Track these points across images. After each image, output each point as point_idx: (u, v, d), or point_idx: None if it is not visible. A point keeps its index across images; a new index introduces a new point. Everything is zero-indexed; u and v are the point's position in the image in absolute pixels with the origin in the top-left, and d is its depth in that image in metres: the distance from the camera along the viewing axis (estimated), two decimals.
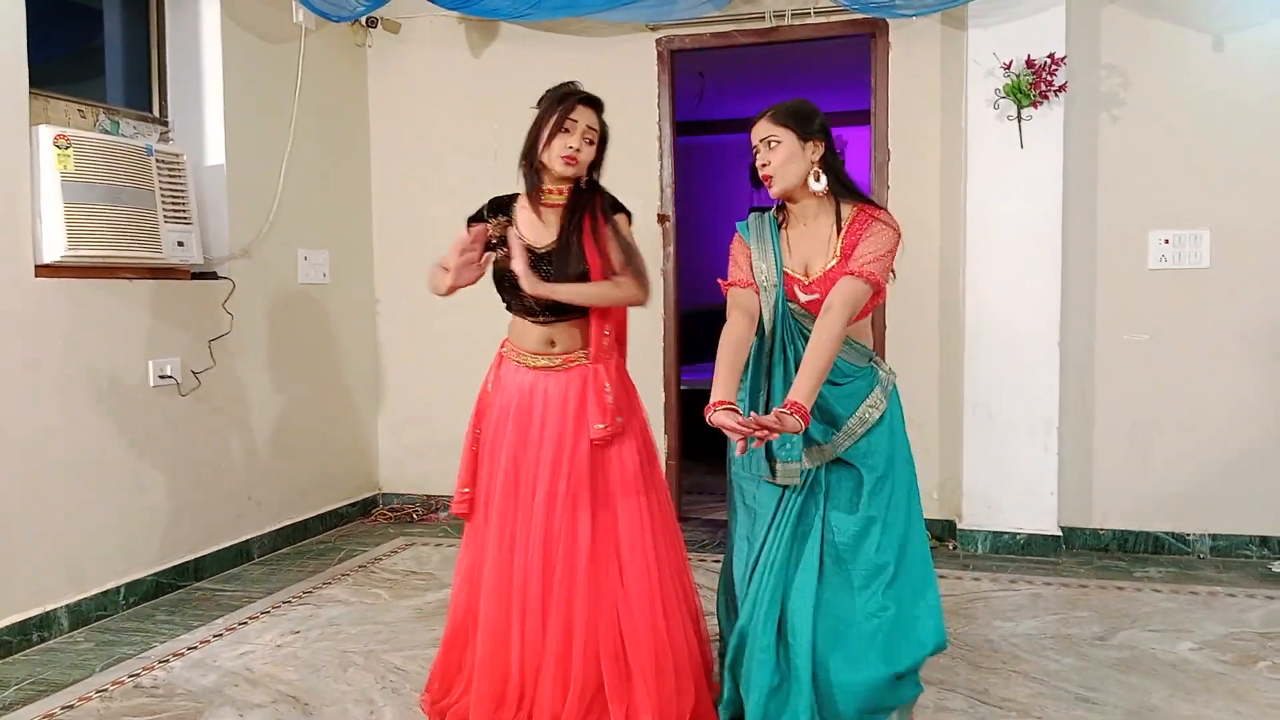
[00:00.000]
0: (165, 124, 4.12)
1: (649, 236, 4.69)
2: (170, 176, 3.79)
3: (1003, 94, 4.06)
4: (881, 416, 2.47)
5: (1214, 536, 4.15)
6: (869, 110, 4.53)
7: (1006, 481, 4.21)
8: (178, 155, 3.85)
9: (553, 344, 2.58)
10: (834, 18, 4.41)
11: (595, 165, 2.63)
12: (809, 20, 4.44)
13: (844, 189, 2.47)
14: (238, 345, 4.16)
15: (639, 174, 4.71)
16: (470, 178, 4.84)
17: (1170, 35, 4.09)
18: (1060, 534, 4.20)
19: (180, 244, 3.80)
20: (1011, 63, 4.03)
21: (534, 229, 2.57)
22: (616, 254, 2.54)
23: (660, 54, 4.70)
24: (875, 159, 4.50)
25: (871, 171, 4.53)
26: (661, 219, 4.71)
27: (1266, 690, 2.82)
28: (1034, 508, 4.19)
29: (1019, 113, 4.07)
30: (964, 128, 4.22)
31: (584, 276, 2.50)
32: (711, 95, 7.28)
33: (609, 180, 4.70)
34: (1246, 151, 4.05)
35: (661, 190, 4.73)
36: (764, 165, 2.44)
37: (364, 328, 5.10)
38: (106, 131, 3.78)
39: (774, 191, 2.46)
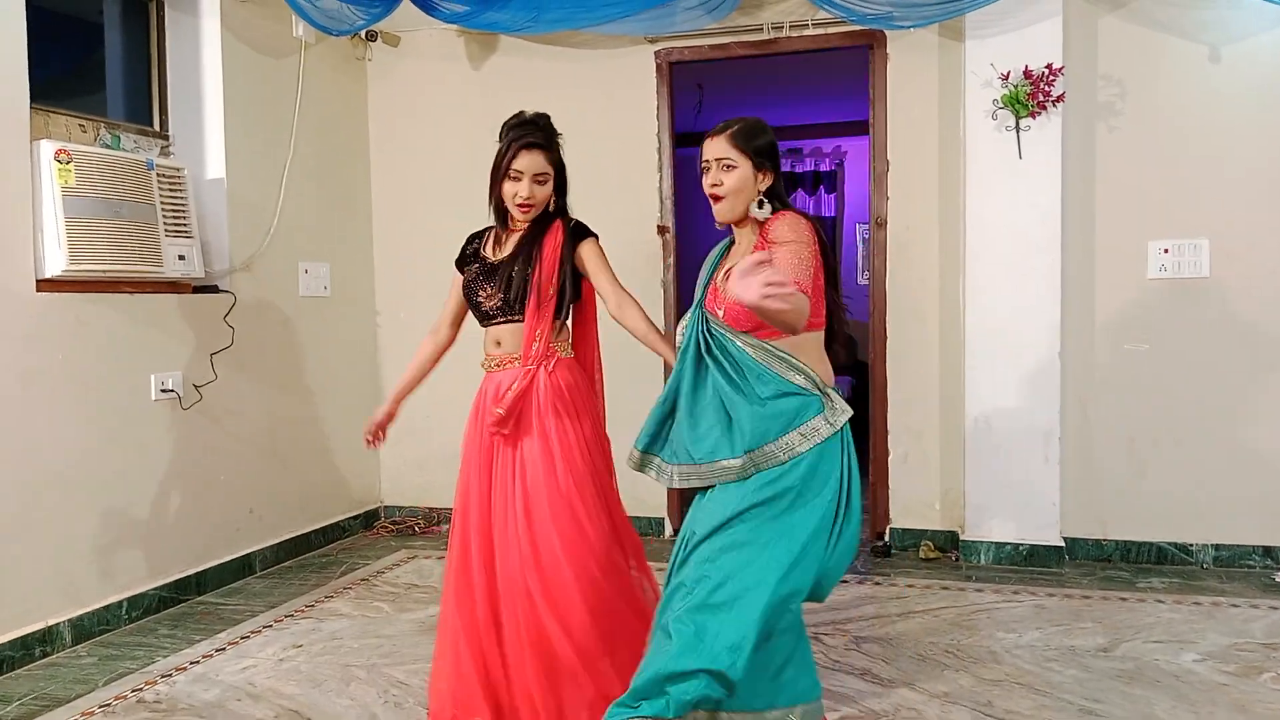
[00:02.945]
0: (166, 138, 4.13)
1: (649, 248, 4.70)
2: (171, 190, 3.79)
3: (1001, 105, 4.07)
4: (808, 452, 2.26)
5: (1217, 547, 4.15)
6: (867, 121, 4.54)
7: (1008, 493, 4.21)
8: (178, 169, 3.86)
9: (499, 344, 2.72)
10: (831, 29, 4.43)
11: (561, 191, 2.74)
12: (807, 32, 4.45)
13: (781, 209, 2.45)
14: (239, 358, 4.16)
15: (638, 185, 4.73)
16: (470, 190, 4.82)
17: (1167, 46, 4.10)
18: (1063, 545, 4.19)
19: (181, 258, 3.81)
20: (1009, 73, 4.05)
21: (497, 250, 2.76)
22: (603, 275, 2.71)
23: (659, 66, 4.71)
24: (874, 170, 4.51)
25: (871, 182, 4.54)
26: (661, 230, 4.72)
27: (1270, 701, 2.82)
28: (1036, 519, 4.19)
29: (1017, 123, 4.08)
30: (962, 138, 4.23)
31: (527, 283, 2.64)
32: (710, 107, 7.30)
33: (610, 190, 4.73)
34: (1244, 161, 4.06)
35: (661, 202, 4.73)
36: (715, 185, 2.41)
37: (365, 340, 5.10)
38: (107, 146, 3.78)
39: (720, 218, 2.45)
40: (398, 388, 2.94)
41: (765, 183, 2.43)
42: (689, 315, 2.49)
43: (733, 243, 2.56)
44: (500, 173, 2.67)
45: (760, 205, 2.43)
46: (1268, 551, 4.09)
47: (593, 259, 2.71)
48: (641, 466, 2.49)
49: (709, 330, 2.39)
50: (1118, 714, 2.74)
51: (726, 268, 2.48)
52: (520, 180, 2.64)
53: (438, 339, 2.92)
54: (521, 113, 2.71)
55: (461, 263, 2.83)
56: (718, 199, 2.42)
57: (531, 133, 2.65)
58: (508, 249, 2.73)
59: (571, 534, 2.57)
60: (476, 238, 2.85)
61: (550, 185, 2.69)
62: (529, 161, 2.63)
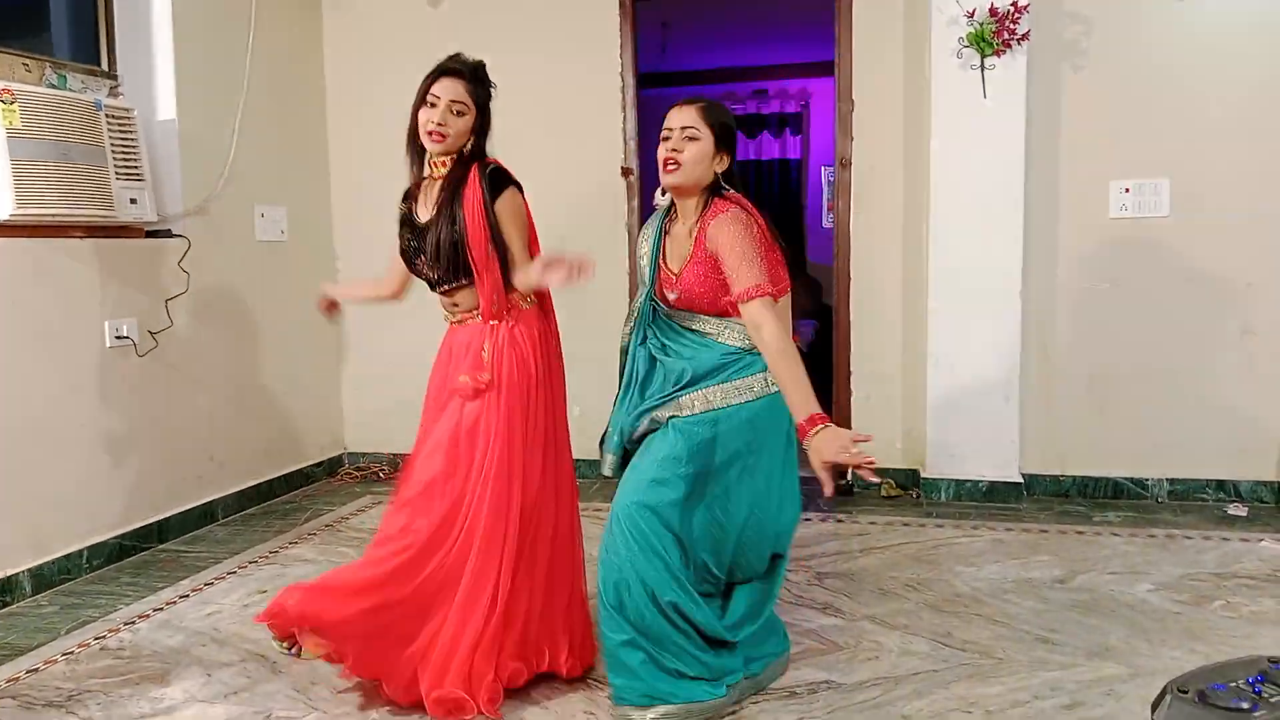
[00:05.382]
0: (114, 78, 4.01)
1: (613, 190, 4.66)
2: (121, 132, 3.69)
3: (966, 43, 4.04)
4: (740, 406, 2.43)
5: (1172, 481, 4.23)
6: (833, 62, 4.50)
7: (969, 430, 4.25)
8: (128, 110, 3.75)
9: (456, 304, 2.66)
10: None
11: (482, 133, 2.64)
12: None
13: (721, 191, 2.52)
14: (195, 304, 4.09)
15: (601, 127, 4.67)
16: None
17: None
18: (1022, 481, 4.25)
19: (133, 201, 3.72)
20: (975, 11, 4.01)
21: (424, 207, 2.64)
22: (515, 241, 2.57)
23: (622, 4, 4.62)
24: (839, 110, 4.48)
25: (836, 122, 4.51)
26: (625, 172, 4.67)
27: (1221, 628, 2.89)
28: (996, 456, 4.24)
29: (982, 62, 4.05)
30: (927, 78, 4.20)
31: (458, 244, 2.52)
32: (675, 47, 7.21)
33: (571, 131, 4.68)
34: (1206, 101, 4.07)
35: (625, 143, 4.68)
36: (675, 151, 2.45)
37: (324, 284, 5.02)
38: (54, 86, 3.67)
39: (670, 181, 2.48)
40: (346, 288, 2.94)
41: (721, 165, 2.50)
42: (636, 304, 2.61)
43: (668, 215, 2.62)
44: (418, 100, 2.56)
45: (710, 177, 2.49)
46: (1220, 485, 4.18)
47: (505, 217, 2.54)
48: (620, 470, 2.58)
49: (654, 324, 2.56)
50: (1073, 643, 2.80)
51: (675, 245, 2.56)
52: (436, 106, 2.53)
53: (384, 289, 2.91)
54: (457, 54, 2.62)
55: (400, 226, 2.74)
56: (675, 165, 2.46)
57: (453, 61, 2.57)
58: (430, 208, 2.60)
59: (520, 493, 2.55)
60: (407, 198, 2.71)
61: (468, 120, 2.56)
62: (447, 87, 2.54)
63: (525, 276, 2.53)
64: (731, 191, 2.50)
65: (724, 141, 2.48)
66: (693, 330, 2.52)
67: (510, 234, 2.55)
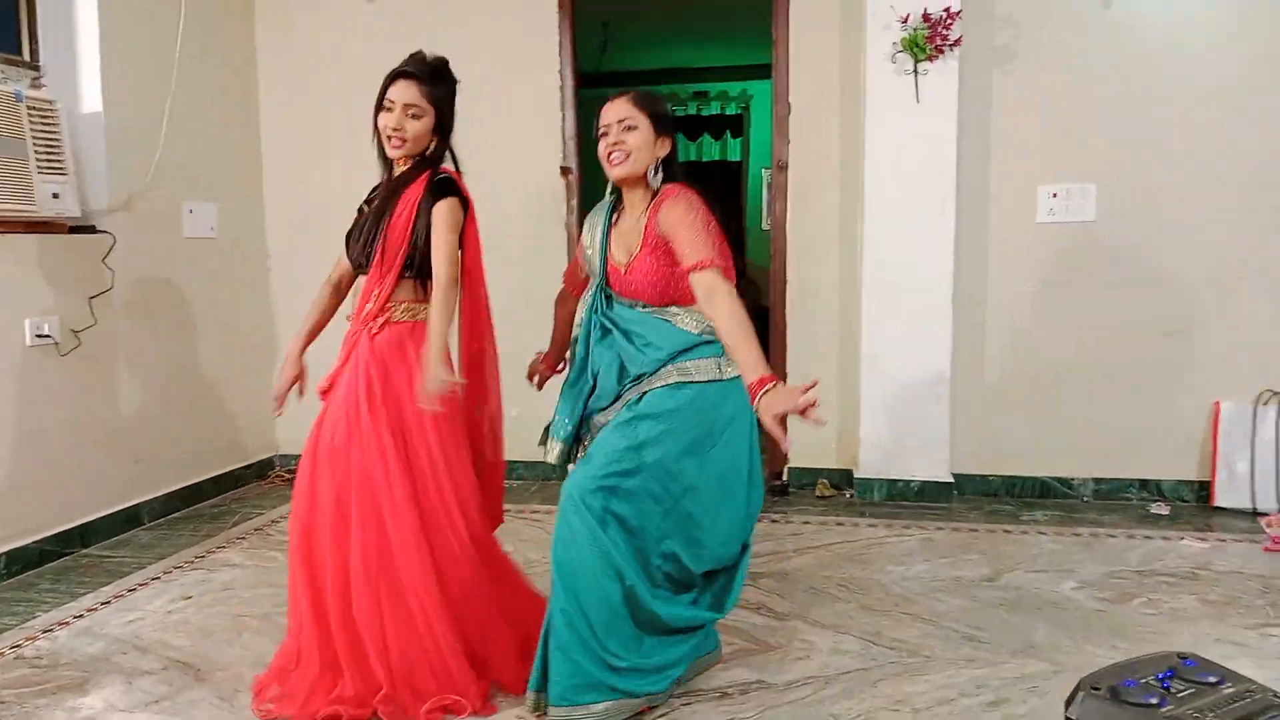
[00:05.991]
0: (36, 69, 3.89)
1: (552, 190, 4.64)
2: (43, 124, 3.60)
3: (900, 48, 4.09)
4: (693, 384, 2.42)
5: (1097, 480, 4.33)
6: (771, 65, 4.53)
7: (902, 432, 4.30)
8: (51, 102, 3.65)
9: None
10: None
11: (443, 133, 2.63)
12: None
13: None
14: (121, 302, 3.99)
15: (540, 126, 4.65)
16: (364, 125, 4.67)
17: None
18: (952, 481, 4.32)
19: (55, 196, 3.62)
20: (909, 16, 4.06)
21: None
22: (439, 249, 2.52)
23: (561, 2, 4.60)
24: (776, 112, 4.51)
25: (773, 125, 4.54)
26: (565, 172, 4.65)
27: (1143, 624, 2.96)
28: (928, 456, 4.30)
29: (915, 67, 4.11)
30: (863, 82, 4.25)
31: (375, 237, 2.54)
32: (616, 47, 7.21)
33: (511, 131, 4.63)
34: (1131, 108, 4.16)
35: (564, 143, 4.66)
36: (617, 144, 2.47)
37: (256, 284, 4.93)
38: None
39: (618, 174, 2.50)
40: (298, 340, 2.77)
41: (663, 149, 2.51)
42: (588, 295, 2.60)
43: (615, 207, 2.62)
44: (375, 108, 2.60)
45: (656, 172, 2.51)
46: (1144, 485, 4.29)
47: (437, 219, 2.51)
48: (568, 459, 2.59)
49: (609, 312, 2.53)
50: (999, 640, 2.85)
51: (621, 239, 2.55)
52: (392, 111, 2.55)
53: (327, 301, 2.83)
54: (417, 53, 2.61)
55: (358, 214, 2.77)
56: (624, 157, 2.47)
57: (409, 64, 2.57)
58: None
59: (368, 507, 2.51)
60: (378, 188, 2.73)
61: (426, 122, 2.57)
62: (401, 91, 2.55)
63: (432, 371, 2.45)
64: (678, 182, 2.52)
65: (661, 126, 2.50)
66: (652, 316, 2.50)
67: (438, 235, 2.51)
